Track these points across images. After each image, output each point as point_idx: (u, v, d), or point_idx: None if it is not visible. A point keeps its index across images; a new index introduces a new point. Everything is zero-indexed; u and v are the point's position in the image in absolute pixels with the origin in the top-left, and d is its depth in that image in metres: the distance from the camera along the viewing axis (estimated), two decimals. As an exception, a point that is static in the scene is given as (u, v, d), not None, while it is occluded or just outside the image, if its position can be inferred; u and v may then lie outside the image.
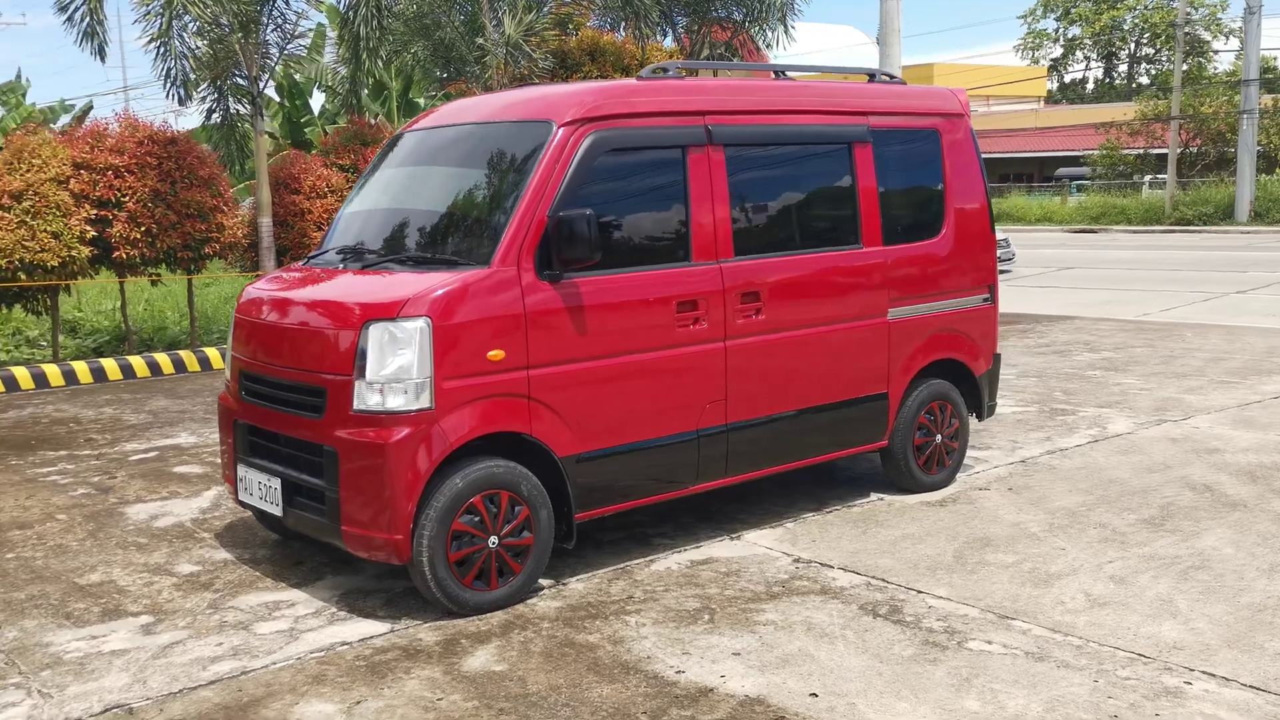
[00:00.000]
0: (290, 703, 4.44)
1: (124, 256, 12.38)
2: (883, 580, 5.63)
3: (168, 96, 13.19)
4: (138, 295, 15.62)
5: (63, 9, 12.60)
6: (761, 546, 6.18)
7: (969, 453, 8.06)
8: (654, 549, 6.17)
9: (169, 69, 12.61)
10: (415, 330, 5.07)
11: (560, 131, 5.50)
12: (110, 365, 12.38)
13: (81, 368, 12.21)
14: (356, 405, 5.15)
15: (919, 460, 7.06)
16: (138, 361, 12.54)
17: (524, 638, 5.02)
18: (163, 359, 12.70)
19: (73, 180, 12.20)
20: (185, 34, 12.64)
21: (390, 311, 5.11)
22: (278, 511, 5.61)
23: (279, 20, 13.51)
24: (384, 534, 5.11)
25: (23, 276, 11.88)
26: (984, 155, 7.32)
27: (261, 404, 5.72)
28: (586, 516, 5.67)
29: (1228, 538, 6.16)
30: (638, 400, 5.74)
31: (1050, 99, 66.85)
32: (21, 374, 11.89)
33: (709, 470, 6.08)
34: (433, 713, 4.33)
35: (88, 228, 12.16)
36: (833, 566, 5.84)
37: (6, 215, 11.78)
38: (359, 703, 4.43)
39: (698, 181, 5.92)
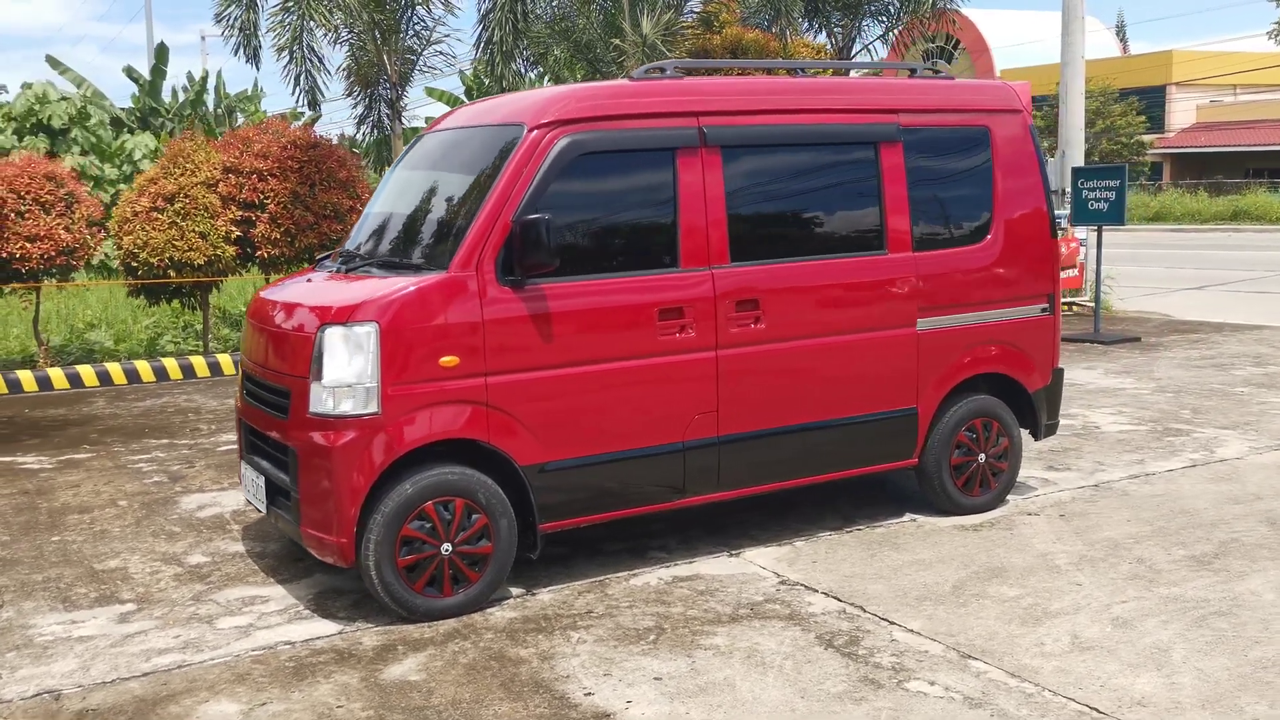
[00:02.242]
0: (201, 700, 4.53)
1: (266, 255, 13.02)
2: (859, 608, 5.29)
3: (296, 102, 13.81)
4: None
5: (219, 20, 13.38)
6: (756, 565, 5.91)
7: (1037, 474, 7.50)
8: (645, 562, 5.99)
9: (297, 75, 13.23)
10: (364, 335, 5.09)
11: (531, 134, 5.41)
12: (252, 359, 13.02)
13: (225, 360, 12.92)
14: (312, 408, 5.21)
15: (957, 481, 6.60)
16: (278, 355, 13.13)
17: (459, 648, 4.97)
18: (302, 353, 13.25)
19: (220, 183, 12.91)
20: (315, 44, 13.21)
21: (342, 316, 5.15)
22: (263, 509, 5.75)
23: (418, 27, 13.93)
24: (331, 536, 5.16)
25: (172, 274, 12.66)
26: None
27: (254, 404, 5.87)
28: (554, 527, 5.56)
29: (1276, 582, 5.49)
30: (612, 409, 5.58)
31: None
32: (170, 365, 12.68)
33: (697, 483, 5.85)
34: None
35: (233, 228, 12.85)
36: (816, 590, 5.53)
37: (160, 216, 12.59)
38: (263, 705, 4.47)
39: (688, 185, 5.70)
